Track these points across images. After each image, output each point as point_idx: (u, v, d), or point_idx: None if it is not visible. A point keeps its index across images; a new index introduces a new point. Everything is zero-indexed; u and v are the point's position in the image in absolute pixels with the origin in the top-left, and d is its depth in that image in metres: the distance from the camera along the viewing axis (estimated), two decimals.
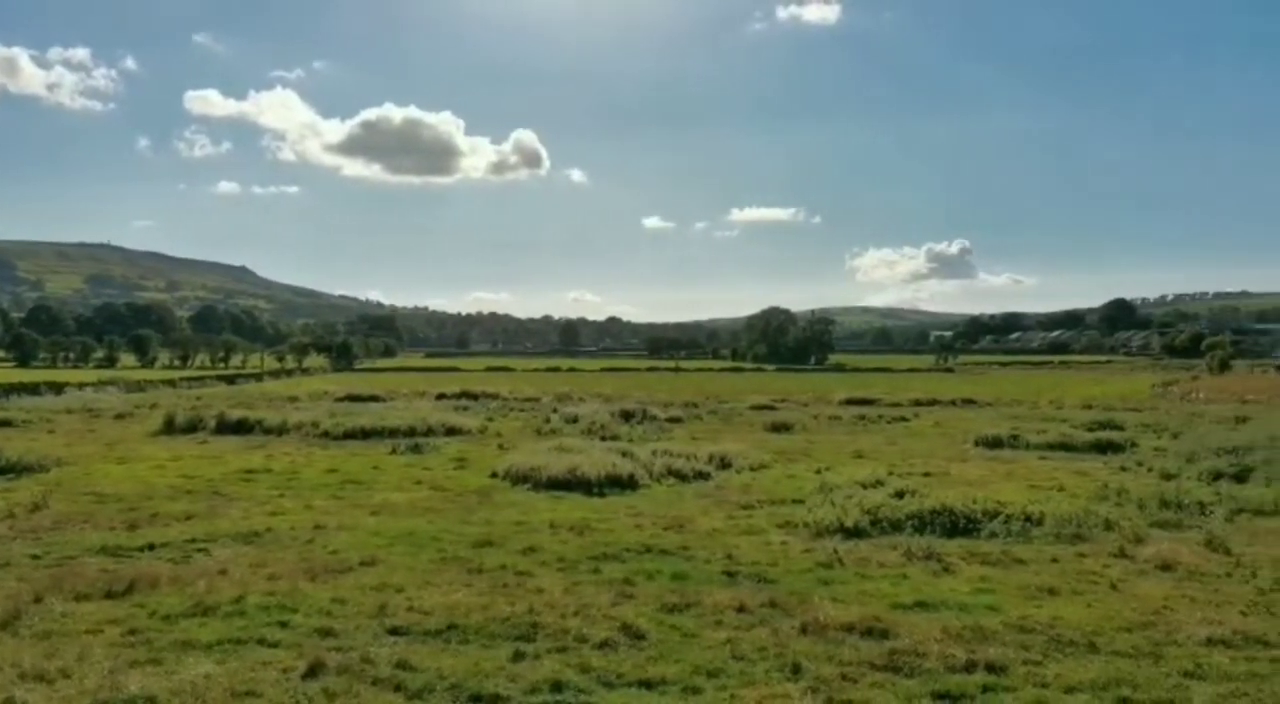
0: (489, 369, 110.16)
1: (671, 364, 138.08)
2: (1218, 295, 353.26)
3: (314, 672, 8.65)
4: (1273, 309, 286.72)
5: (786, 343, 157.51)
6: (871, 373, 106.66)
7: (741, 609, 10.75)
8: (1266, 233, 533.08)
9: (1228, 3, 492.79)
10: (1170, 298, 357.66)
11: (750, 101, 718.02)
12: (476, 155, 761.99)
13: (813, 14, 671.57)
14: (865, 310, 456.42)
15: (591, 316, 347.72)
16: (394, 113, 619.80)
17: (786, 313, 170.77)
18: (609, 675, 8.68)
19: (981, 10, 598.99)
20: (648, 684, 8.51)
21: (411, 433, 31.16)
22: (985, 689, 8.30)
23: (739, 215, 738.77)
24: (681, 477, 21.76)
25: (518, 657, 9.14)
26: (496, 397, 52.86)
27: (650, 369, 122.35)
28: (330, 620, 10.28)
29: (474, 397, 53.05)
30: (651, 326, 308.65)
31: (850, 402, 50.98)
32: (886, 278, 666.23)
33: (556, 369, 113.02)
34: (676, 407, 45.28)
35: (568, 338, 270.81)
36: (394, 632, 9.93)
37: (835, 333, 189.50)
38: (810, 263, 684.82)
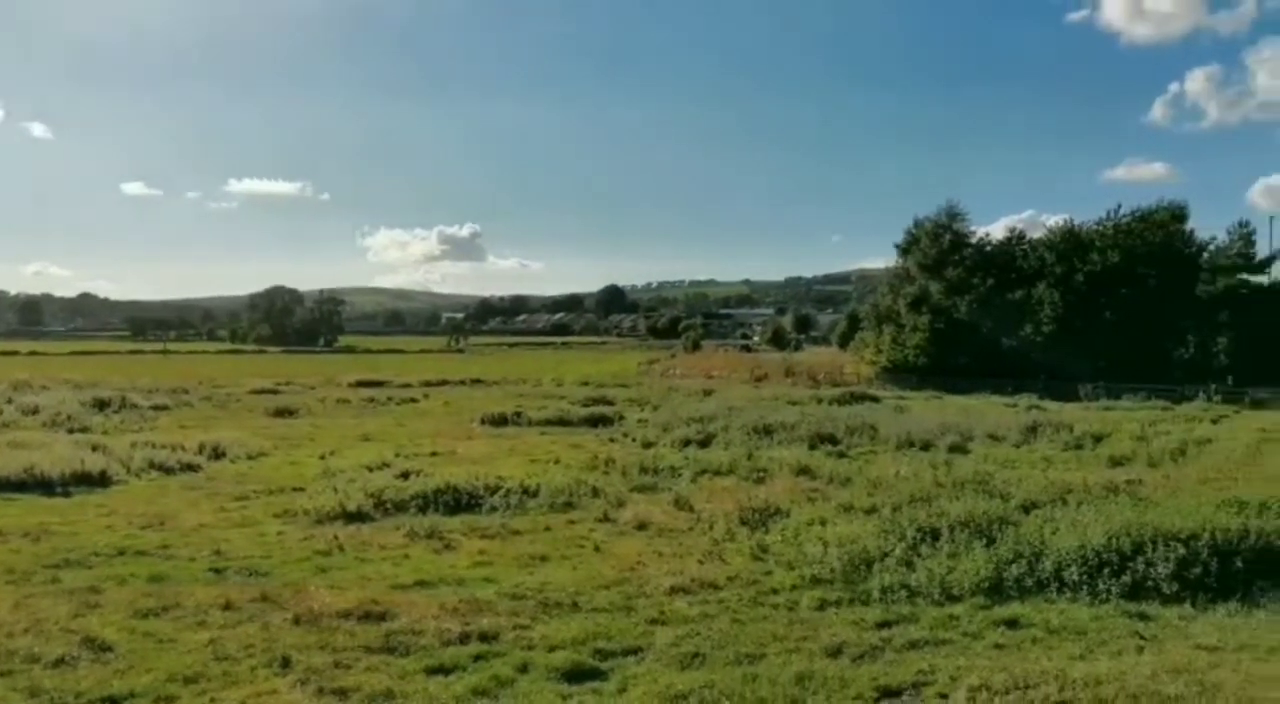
0: None
1: (159, 346, 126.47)
2: (693, 283, 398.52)
3: None
4: (735, 296, 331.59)
5: (293, 324, 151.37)
6: (383, 354, 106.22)
7: (228, 606, 10.04)
8: (730, 228, 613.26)
9: (754, 13, 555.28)
10: (655, 284, 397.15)
11: (244, 65, 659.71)
12: None
13: None
14: (377, 291, 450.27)
15: (59, 293, 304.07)
16: None
17: (293, 292, 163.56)
18: (65, 696, 7.65)
19: None
20: (113, 700, 7.64)
21: None
22: (477, 658, 8.52)
23: (238, 186, 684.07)
24: (166, 469, 19.97)
25: None
26: None
27: (133, 352, 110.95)
28: None
29: None
30: (135, 305, 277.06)
31: (360, 384, 50.37)
32: (399, 259, 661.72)
33: (14, 353, 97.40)
34: (163, 393, 41.47)
35: (28, 317, 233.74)
36: None
37: (346, 314, 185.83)
38: (319, 241, 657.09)
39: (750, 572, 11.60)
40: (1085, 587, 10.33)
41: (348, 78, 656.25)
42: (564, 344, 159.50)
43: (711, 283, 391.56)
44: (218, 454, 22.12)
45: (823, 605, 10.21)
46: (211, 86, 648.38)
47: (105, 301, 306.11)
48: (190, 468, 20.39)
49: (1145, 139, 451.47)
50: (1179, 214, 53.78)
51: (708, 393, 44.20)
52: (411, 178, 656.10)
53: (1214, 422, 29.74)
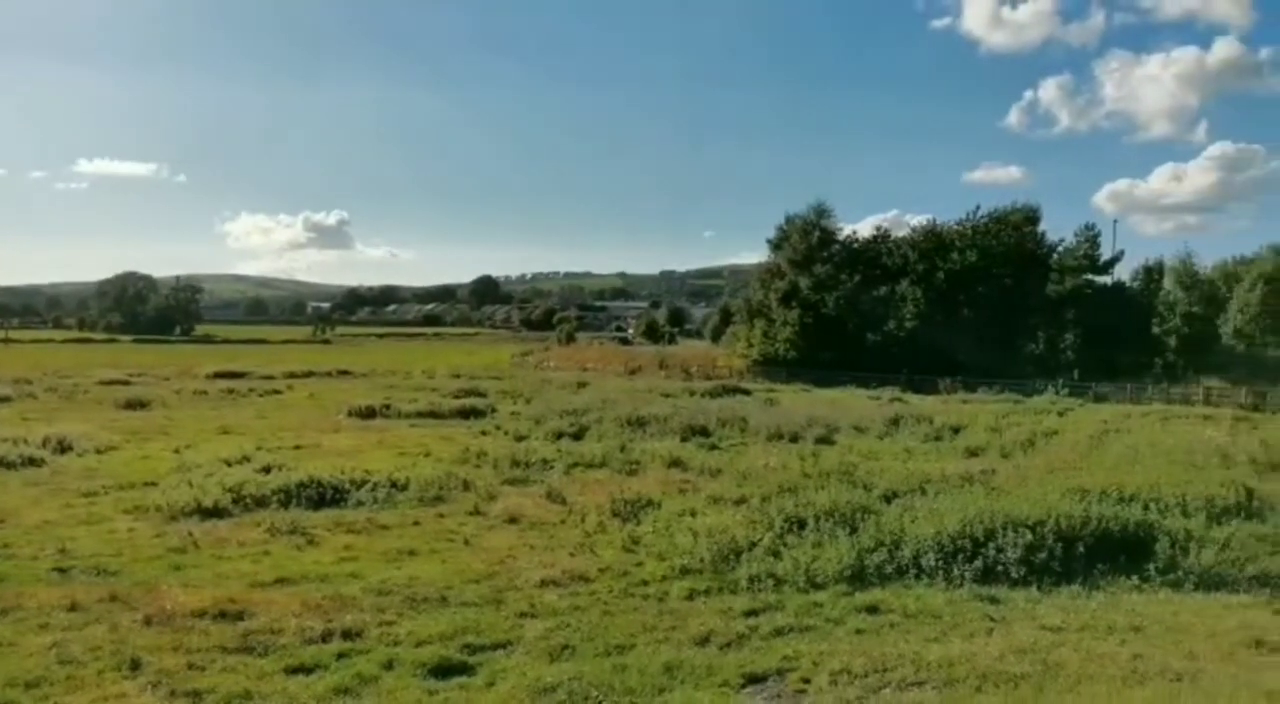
0: None
1: (0, 334, 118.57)
2: (568, 275, 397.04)
3: None
4: (610, 288, 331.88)
5: (146, 312, 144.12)
6: (244, 344, 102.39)
7: (74, 607, 9.53)
8: (606, 221, 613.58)
9: (634, 9, 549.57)
10: (529, 276, 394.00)
11: (96, 39, 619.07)
12: None
13: None
14: (238, 278, 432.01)
15: None
16: None
17: (146, 278, 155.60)
18: None
19: None
20: None
21: None
22: (340, 656, 8.30)
23: (87, 166, 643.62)
24: (7, 464, 18.79)
25: None
26: None
27: None
28: None
29: None
30: None
31: (219, 375, 48.41)
32: (262, 245, 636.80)
33: None
34: (4, 384, 38.97)
35: None
36: None
37: (204, 302, 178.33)
38: (174, 225, 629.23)
39: (621, 563, 11.65)
40: (941, 572, 10.77)
41: (208, 56, 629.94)
42: (436, 335, 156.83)
43: (587, 275, 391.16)
44: (63, 448, 20.91)
45: (692, 595, 10.34)
46: (60, 61, 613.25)
47: None
48: (33, 462, 19.20)
49: (1002, 143, 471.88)
50: (1032, 216, 56.59)
51: (581, 385, 44.19)
52: (275, 162, 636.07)
53: (1060, 414, 31.34)
